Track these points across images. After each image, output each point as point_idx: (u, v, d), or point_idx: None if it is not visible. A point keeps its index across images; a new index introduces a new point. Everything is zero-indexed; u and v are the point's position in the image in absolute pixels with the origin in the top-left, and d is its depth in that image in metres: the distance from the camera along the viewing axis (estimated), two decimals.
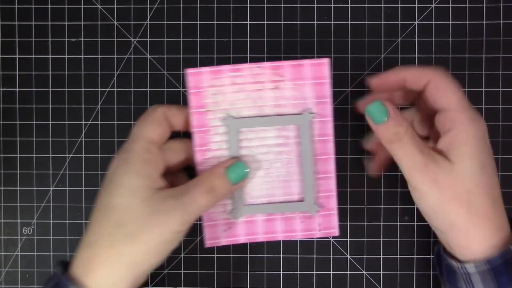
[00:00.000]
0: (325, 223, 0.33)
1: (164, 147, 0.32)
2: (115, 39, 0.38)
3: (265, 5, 0.38)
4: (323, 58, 0.31)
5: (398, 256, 0.38)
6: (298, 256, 0.38)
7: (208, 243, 0.32)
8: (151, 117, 0.31)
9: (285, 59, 0.38)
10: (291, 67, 0.31)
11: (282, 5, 0.38)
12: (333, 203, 0.33)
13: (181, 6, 0.38)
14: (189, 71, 0.31)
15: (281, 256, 0.38)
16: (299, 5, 0.38)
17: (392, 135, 0.29)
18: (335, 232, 0.33)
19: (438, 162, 0.29)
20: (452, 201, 0.29)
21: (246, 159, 0.32)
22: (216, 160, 0.32)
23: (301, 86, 0.31)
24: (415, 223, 0.38)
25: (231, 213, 0.32)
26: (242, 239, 0.33)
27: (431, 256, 0.38)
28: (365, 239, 0.38)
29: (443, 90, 0.30)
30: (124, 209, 0.29)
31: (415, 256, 0.38)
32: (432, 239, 0.38)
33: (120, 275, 0.28)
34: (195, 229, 0.38)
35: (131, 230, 0.28)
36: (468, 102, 0.30)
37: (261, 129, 0.32)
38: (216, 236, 0.32)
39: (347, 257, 0.38)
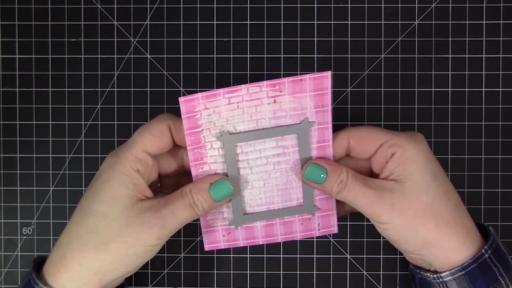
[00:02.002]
0: (324, 223, 0.33)
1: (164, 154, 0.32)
2: (115, 39, 0.38)
3: (265, 5, 0.38)
4: (326, 72, 0.30)
5: (398, 256, 0.38)
6: (298, 256, 0.38)
7: (207, 247, 0.32)
8: (155, 128, 0.30)
9: (285, 59, 0.38)
10: (291, 83, 0.30)
11: (282, 5, 0.38)
12: (331, 204, 0.32)
13: (181, 6, 0.38)
14: (182, 99, 0.29)
15: (281, 256, 0.38)
16: (299, 5, 0.38)
17: (338, 186, 0.29)
18: (334, 230, 0.33)
19: (389, 188, 0.29)
20: (417, 219, 0.28)
21: (243, 172, 0.31)
22: (212, 172, 0.31)
23: (300, 98, 0.30)
24: None
25: (230, 223, 0.32)
26: (241, 243, 0.33)
27: None
28: (365, 239, 0.38)
29: (368, 136, 0.30)
30: (101, 215, 0.28)
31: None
32: None
33: (85, 280, 0.28)
34: (195, 229, 0.38)
35: (104, 238, 0.28)
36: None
37: (259, 141, 0.31)
38: (215, 241, 0.32)
39: (347, 257, 0.38)
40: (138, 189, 0.29)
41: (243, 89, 0.29)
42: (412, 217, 0.28)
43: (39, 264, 0.30)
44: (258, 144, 0.31)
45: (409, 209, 0.28)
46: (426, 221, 0.28)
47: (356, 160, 0.32)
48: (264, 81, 0.29)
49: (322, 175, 0.30)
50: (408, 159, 0.29)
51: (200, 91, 0.31)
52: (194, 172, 0.31)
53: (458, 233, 0.29)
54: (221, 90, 0.29)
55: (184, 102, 0.29)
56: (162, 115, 0.31)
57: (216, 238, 0.32)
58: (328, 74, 0.30)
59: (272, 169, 0.31)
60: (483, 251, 0.29)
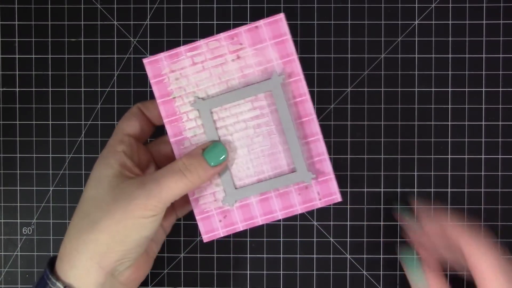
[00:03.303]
0: (324, 190, 0.30)
1: (155, 141, 0.32)
2: (115, 39, 0.38)
3: (265, 5, 0.38)
4: (279, 14, 0.29)
5: (398, 256, 0.38)
6: (298, 256, 0.38)
7: (206, 237, 0.31)
8: (128, 113, 0.31)
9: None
10: (247, 32, 0.29)
11: (282, 5, 0.38)
12: (327, 166, 0.30)
13: (181, 6, 0.38)
14: (146, 61, 0.30)
15: (281, 256, 0.38)
16: (299, 5, 0.38)
17: None
18: (337, 198, 0.30)
19: None
20: None
21: (225, 139, 0.30)
22: (194, 146, 0.30)
23: (263, 49, 0.29)
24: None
25: (223, 200, 0.30)
26: (240, 226, 0.31)
27: None
28: (365, 239, 0.38)
29: (476, 258, 0.31)
30: (90, 199, 0.29)
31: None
32: None
33: (85, 266, 0.28)
34: (195, 229, 0.38)
35: (94, 218, 0.28)
36: (501, 263, 0.31)
37: (233, 104, 0.30)
38: (212, 229, 0.31)
39: (347, 257, 0.38)
40: (124, 167, 0.29)
41: (202, 44, 0.30)
42: None
43: (53, 259, 0.30)
44: (233, 107, 0.30)
45: None
46: None
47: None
48: (221, 34, 0.29)
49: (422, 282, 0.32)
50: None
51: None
52: (176, 149, 0.30)
53: None
54: (182, 48, 0.30)
55: (148, 64, 0.30)
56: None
57: (213, 225, 0.31)
58: (281, 16, 0.29)
59: (253, 133, 0.30)
60: None
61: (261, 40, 0.30)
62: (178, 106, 0.30)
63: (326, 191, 0.30)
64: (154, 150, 0.33)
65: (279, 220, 0.38)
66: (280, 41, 0.30)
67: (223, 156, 0.29)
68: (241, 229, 0.31)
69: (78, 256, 0.28)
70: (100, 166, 0.29)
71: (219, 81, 0.30)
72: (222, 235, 0.31)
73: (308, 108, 0.30)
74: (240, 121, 0.30)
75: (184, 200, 0.31)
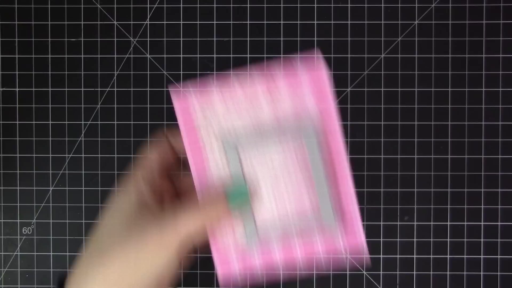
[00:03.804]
0: (349, 240, 0.29)
1: (178, 171, 0.31)
2: (115, 39, 0.38)
3: (265, 5, 0.38)
4: (320, 64, 0.29)
5: (398, 256, 0.38)
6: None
7: (222, 281, 0.29)
8: (155, 145, 0.30)
9: (285, 59, 0.38)
10: (285, 77, 0.29)
11: (282, 5, 0.38)
12: (354, 212, 0.29)
13: (181, 6, 0.38)
14: (174, 91, 0.28)
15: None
16: (299, 5, 0.38)
17: None
18: (363, 248, 0.29)
19: None
20: None
21: (248, 175, 0.29)
22: (216, 181, 0.29)
23: (300, 96, 0.29)
24: (415, 223, 0.38)
25: (243, 237, 0.29)
26: (259, 272, 0.29)
27: (431, 256, 0.38)
28: (365, 239, 0.38)
29: None
30: (105, 226, 0.28)
31: (415, 256, 0.38)
32: (432, 239, 0.38)
33: None
34: None
35: (107, 247, 0.27)
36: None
37: (262, 143, 0.29)
38: (230, 269, 0.29)
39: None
40: (143, 197, 0.29)
41: (237, 84, 0.29)
42: None
43: (62, 278, 0.29)
44: (262, 147, 0.29)
45: None
46: None
47: None
48: (259, 73, 0.29)
49: None
50: None
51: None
52: (197, 182, 0.29)
53: None
54: (214, 83, 0.29)
55: (176, 94, 0.29)
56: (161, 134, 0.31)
57: (230, 266, 0.29)
58: (323, 66, 0.28)
59: (280, 172, 0.29)
60: None
61: (299, 86, 0.29)
62: (203, 136, 0.29)
63: (353, 247, 0.29)
64: (176, 180, 0.32)
65: None
66: (319, 90, 0.29)
67: (245, 197, 0.28)
68: (259, 271, 0.29)
69: (88, 282, 0.27)
70: (119, 194, 0.29)
71: (249, 119, 0.29)
72: (237, 275, 0.29)
73: (341, 160, 0.29)
74: (267, 159, 0.29)
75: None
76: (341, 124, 0.30)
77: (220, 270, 0.29)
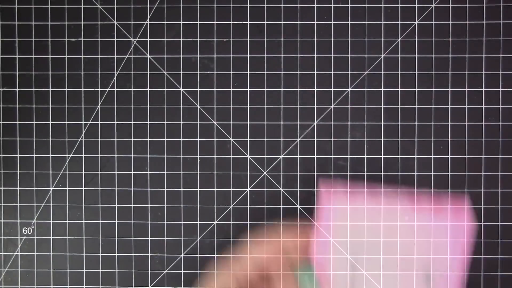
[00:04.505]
0: None
1: None
2: (115, 39, 0.38)
3: (265, 5, 0.38)
4: (469, 215, 0.28)
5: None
6: (298, 256, 0.38)
7: None
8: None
9: (285, 59, 0.38)
10: (435, 210, 0.28)
11: (282, 5, 0.38)
12: None
13: (181, 6, 0.38)
14: (324, 189, 0.28)
15: (281, 256, 0.38)
16: (299, 5, 0.38)
17: None
18: None
19: None
20: None
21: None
22: None
23: (440, 233, 0.28)
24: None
25: None
26: None
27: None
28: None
29: None
30: None
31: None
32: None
33: None
34: (195, 229, 0.38)
35: None
36: None
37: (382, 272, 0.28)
38: None
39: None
40: None
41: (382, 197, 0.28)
42: None
43: None
44: (383, 277, 0.28)
45: None
46: None
47: None
48: (407, 195, 0.28)
49: None
50: None
51: (200, 91, 0.30)
52: None
53: None
54: (362, 190, 0.28)
55: (325, 193, 0.29)
56: None
57: None
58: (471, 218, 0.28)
59: None
60: None
61: (443, 220, 0.29)
62: (331, 246, 0.29)
63: None
64: None
65: (279, 220, 0.38)
66: (459, 232, 0.28)
67: (312, 280, 0.29)
68: None
69: None
70: None
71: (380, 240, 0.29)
72: None
73: None
74: None
75: None
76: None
77: None
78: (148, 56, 0.38)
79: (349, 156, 0.38)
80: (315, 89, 0.38)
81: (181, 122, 0.38)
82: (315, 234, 0.36)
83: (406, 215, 0.26)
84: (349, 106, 0.38)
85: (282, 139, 0.38)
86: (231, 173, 0.38)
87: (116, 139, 0.38)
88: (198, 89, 0.38)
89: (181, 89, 0.38)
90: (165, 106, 0.38)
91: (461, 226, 0.27)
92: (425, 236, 0.27)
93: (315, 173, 0.38)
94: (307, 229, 0.37)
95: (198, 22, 0.38)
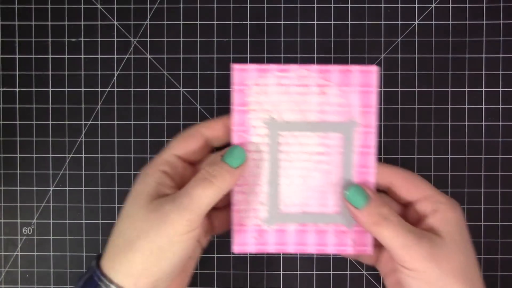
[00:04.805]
0: (359, 240, 0.31)
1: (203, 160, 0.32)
2: (115, 39, 0.38)
3: (265, 5, 0.38)
4: (373, 66, 0.30)
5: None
6: (298, 256, 0.38)
7: (236, 248, 0.31)
8: (184, 134, 0.31)
9: (285, 59, 0.38)
10: (338, 72, 0.30)
11: (282, 5, 0.38)
12: None
13: (181, 6, 0.38)
14: (236, 67, 0.30)
15: (281, 256, 0.38)
16: (299, 5, 0.38)
17: (377, 216, 0.28)
18: (369, 250, 0.31)
19: (429, 237, 0.28)
20: (451, 275, 0.28)
21: (284, 165, 0.31)
22: (254, 162, 0.31)
23: (348, 93, 0.30)
24: None
25: (263, 219, 0.31)
26: (271, 248, 0.31)
27: None
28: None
29: (416, 183, 0.31)
30: (126, 217, 0.28)
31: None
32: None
33: (121, 285, 0.27)
34: None
35: (129, 237, 0.28)
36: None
37: (303, 134, 0.30)
38: (245, 242, 0.31)
39: (347, 257, 0.38)
40: (161, 187, 0.29)
41: (293, 69, 0.30)
42: (446, 272, 0.28)
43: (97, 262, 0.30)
44: (302, 137, 0.31)
45: (446, 263, 0.28)
46: (457, 280, 0.28)
47: (389, 201, 0.32)
48: (314, 65, 0.30)
49: (362, 201, 0.29)
50: (452, 220, 0.29)
51: (200, 91, 0.31)
52: None
53: None
54: (273, 66, 0.30)
55: (237, 71, 0.30)
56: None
57: (246, 239, 0.31)
58: (375, 69, 0.30)
59: (312, 167, 0.31)
60: None
61: (349, 83, 0.30)
62: (250, 118, 0.31)
63: (360, 241, 0.31)
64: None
65: None
66: (366, 91, 0.30)
67: (243, 156, 0.30)
68: (271, 251, 0.31)
69: (115, 275, 0.28)
70: (139, 183, 0.29)
71: (297, 108, 0.31)
72: (252, 252, 0.31)
73: (371, 160, 0.31)
74: (304, 151, 0.31)
75: (224, 218, 0.32)
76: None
77: (236, 249, 0.31)
78: (148, 56, 0.38)
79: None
80: None
81: (181, 122, 0.38)
82: None
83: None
84: None
85: None
86: None
87: (116, 139, 0.38)
88: (198, 89, 0.38)
89: (181, 89, 0.38)
90: (165, 106, 0.38)
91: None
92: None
93: None
94: None
95: (198, 22, 0.38)
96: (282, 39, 0.38)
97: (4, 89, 0.38)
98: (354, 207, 0.29)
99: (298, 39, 0.38)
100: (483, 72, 0.38)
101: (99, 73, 0.38)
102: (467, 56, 0.38)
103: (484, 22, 0.38)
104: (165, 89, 0.38)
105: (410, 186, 0.31)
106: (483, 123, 0.38)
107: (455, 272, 0.28)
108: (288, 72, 0.30)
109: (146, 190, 0.29)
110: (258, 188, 0.31)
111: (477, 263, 0.30)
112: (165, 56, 0.38)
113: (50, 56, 0.38)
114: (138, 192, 0.29)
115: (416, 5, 0.38)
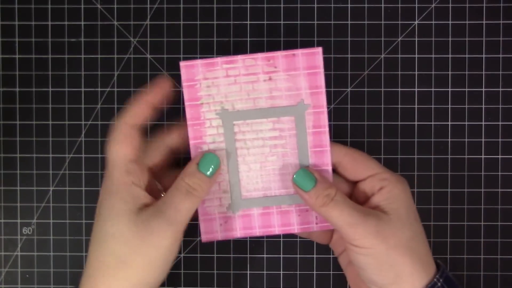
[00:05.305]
0: (321, 216, 0.32)
1: (145, 150, 0.32)
2: (115, 39, 0.38)
3: (265, 5, 0.38)
4: (317, 47, 0.31)
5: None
6: (298, 256, 0.38)
7: (204, 238, 0.32)
8: (119, 136, 0.30)
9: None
10: (284, 58, 0.31)
11: (282, 5, 0.38)
12: None
13: (181, 6, 0.38)
14: (183, 64, 0.31)
15: (281, 256, 0.38)
16: (299, 5, 0.38)
17: (324, 197, 0.29)
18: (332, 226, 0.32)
19: (375, 215, 0.29)
20: (398, 250, 0.29)
21: (241, 153, 0.32)
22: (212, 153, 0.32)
23: (295, 76, 0.31)
24: None
25: (228, 207, 0.32)
26: (238, 233, 0.32)
27: None
28: None
29: (363, 162, 0.32)
30: (113, 236, 0.29)
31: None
32: (432, 239, 0.38)
33: None
34: (195, 229, 0.38)
35: (121, 256, 0.28)
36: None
37: (256, 121, 0.32)
38: (212, 231, 0.32)
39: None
40: (137, 199, 0.30)
41: (239, 60, 0.31)
42: (393, 247, 0.29)
43: None
44: (255, 124, 0.32)
45: (392, 239, 0.29)
46: (404, 254, 0.29)
47: (339, 180, 0.33)
48: (259, 54, 0.31)
49: (310, 184, 0.30)
50: (397, 196, 0.30)
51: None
52: (193, 152, 0.32)
53: (427, 271, 0.29)
54: (219, 59, 0.31)
55: (184, 67, 0.31)
56: (116, 122, 0.31)
57: (213, 228, 0.32)
58: (319, 50, 0.31)
59: (269, 151, 0.32)
60: (435, 280, 0.29)
61: (295, 67, 0.31)
62: (204, 112, 0.32)
63: (324, 218, 0.32)
64: (151, 162, 0.32)
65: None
66: (312, 72, 0.31)
67: (217, 164, 0.31)
68: (239, 236, 0.33)
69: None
70: (112, 202, 0.29)
71: (247, 97, 0.31)
72: (220, 239, 0.33)
73: (325, 139, 0.32)
74: (259, 138, 0.32)
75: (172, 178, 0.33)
76: (328, 106, 0.32)
77: (205, 238, 0.32)
78: (148, 56, 0.38)
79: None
80: None
81: (181, 122, 0.38)
82: None
83: None
84: (349, 106, 0.38)
85: None
86: None
87: None
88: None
89: (181, 89, 0.38)
90: (164, 106, 0.38)
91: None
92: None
93: None
94: None
95: (198, 22, 0.38)
96: (282, 39, 0.38)
97: (4, 89, 0.38)
98: (302, 190, 0.30)
99: (298, 39, 0.38)
100: (483, 72, 0.38)
101: (99, 73, 0.38)
102: (467, 56, 0.38)
103: (484, 22, 0.38)
104: None
105: (358, 165, 0.32)
106: (483, 123, 0.38)
107: (402, 246, 0.29)
108: (235, 63, 0.31)
109: (127, 207, 0.29)
110: (220, 177, 0.32)
111: (424, 237, 0.31)
112: (165, 56, 0.38)
113: (50, 56, 0.38)
114: (120, 211, 0.29)
115: (416, 5, 0.38)
